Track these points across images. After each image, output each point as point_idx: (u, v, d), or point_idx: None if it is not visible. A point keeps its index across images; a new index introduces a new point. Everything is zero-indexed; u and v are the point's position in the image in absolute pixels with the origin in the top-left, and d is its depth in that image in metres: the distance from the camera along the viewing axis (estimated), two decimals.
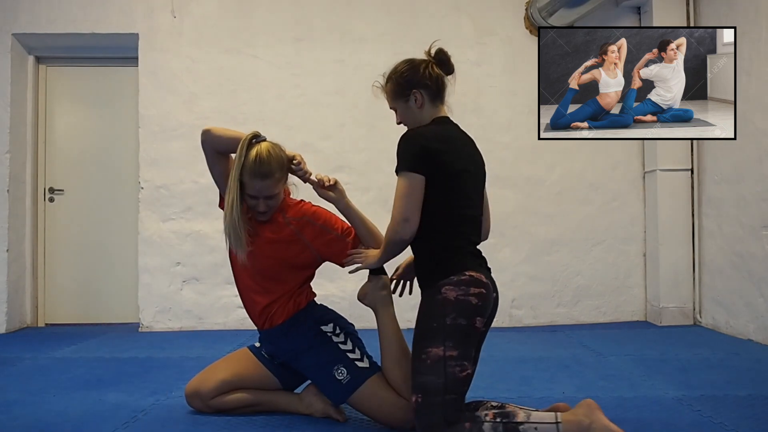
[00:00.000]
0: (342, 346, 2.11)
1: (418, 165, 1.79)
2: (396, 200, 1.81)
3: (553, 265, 4.35)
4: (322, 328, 2.14)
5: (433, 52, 1.99)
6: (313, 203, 2.21)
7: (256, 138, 2.05)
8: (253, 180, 2.00)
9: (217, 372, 2.23)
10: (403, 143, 1.84)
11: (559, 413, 1.67)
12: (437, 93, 1.96)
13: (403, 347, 2.09)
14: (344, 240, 2.13)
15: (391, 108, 2.01)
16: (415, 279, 1.98)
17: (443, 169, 1.82)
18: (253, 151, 2.00)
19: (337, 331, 2.15)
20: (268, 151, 2.01)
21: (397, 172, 1.83)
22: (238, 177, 2.01)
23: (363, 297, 2.20)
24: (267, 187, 2.02)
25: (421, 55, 2.00)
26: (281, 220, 2.13)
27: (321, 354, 2.10)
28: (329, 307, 2.28)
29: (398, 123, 2.01)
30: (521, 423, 1.65)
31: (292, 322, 2.15)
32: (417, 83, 1.95)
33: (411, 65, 1.99)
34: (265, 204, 2.05)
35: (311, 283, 2.27)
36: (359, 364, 2.08)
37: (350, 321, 2.25)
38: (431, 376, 1.69)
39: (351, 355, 2.10)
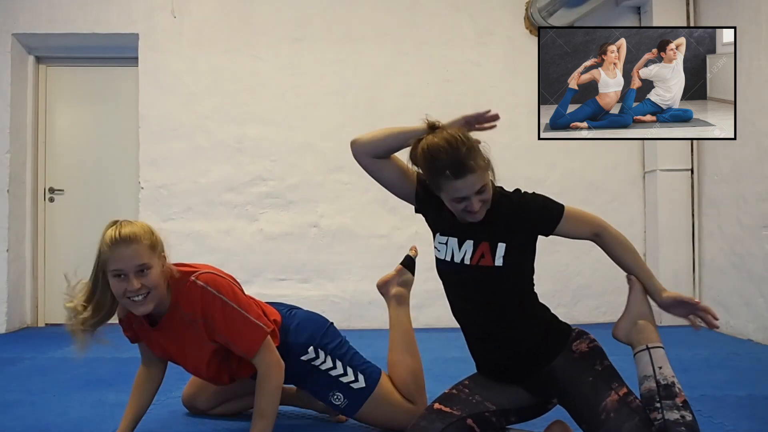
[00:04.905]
0: (332, 372, 1.95)
1: None
2: (589, 215, 1.73)
3: (553, 265, 4.35)
4: (303, 358, 1.95)
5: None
6: (206, 275, 1.80)
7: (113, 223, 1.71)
8: (114, 250, 1.64)
9: (206, 387, 2.19)
10: (537, 194, 1.74)
11: None
12: None
13: (411, 343, 2.06)
14: (258, 329, 1.79)
15: (478, 190, 1.59)
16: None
17: None
18: (109, 230, 1.68)
19: (320, 354, 1.96)
20: (131, 222, 1.71)
21: (562, 208, 1.70)
22: (99, 265, 1.69)
23: (382, 285, 2.17)
24: (132, 255, 1.65)
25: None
26: (177, 314, 1.77)
27: (312, 384, 1.99)
28: (305, 309, 2.15)
29: (476, 210, 1.60)
30: None
31: None
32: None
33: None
34: (138, 283, 1.66)
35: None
36: (354, 386, 1.95)
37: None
38: (628, 423, 1.55)
39: (344, 379, 1.96)
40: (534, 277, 1.78)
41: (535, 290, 1.78)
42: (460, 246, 1.69)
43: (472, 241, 1.68)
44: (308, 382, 2.00)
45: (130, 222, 1.72)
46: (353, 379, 1.96)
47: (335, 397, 1.97)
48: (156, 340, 1.85)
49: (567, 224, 1.69)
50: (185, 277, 1.77)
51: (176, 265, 1.82)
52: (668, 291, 1.70)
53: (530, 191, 1.75)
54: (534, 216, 1.68)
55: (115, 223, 1.71)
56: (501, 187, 1.75)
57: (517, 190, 1.75)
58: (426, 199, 1.77)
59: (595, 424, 1.57)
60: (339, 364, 1.97)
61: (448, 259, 1.72)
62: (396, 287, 2.14)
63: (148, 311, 1.71)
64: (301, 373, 1.97)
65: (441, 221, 1.76)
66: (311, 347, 1.96)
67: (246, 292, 1.93)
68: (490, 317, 1.71)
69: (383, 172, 1.83)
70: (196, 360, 1.86)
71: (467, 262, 1.68)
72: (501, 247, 1.65)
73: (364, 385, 1.97)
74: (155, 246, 1.71)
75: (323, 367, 1.96)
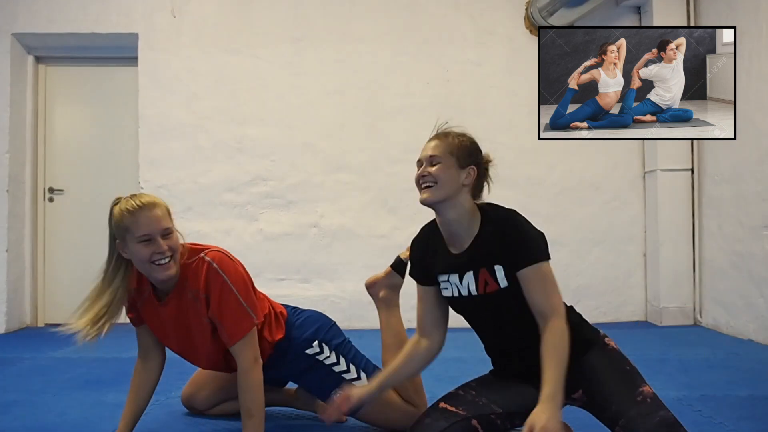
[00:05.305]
0: (335, 368, 1.97)
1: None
2: (557, 296, 1.60)
3: (553, 265, 4.33)
4: (307, 352, 1.97)
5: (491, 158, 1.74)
6: (215, 252, 1.82)
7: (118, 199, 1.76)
8: (138, 216, 1.68)
9: (203, 389, 2.20)
10: (529, 228, 1.62)
11: None
12: (478, 189, 1.71)
13: (404, 345, 2.06)
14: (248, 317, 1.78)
15: (430, 155, 1.65)
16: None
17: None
18: (125, 202, 1.72)
19: (325, 349, 1.99)
20: (142, 193, 1.77)
21: (538, 258, 1.61)
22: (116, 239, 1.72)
23: (370, 286, 2.17)
24: (157, 219, 1.69)
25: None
26: (184, 289, 1.79)
27: (315, 380, 2.00)
28: (312, 309, 2.15)
29: (423, 174, 1.64)
30: None
31: (272, 356, 1.96)
32: (479, 163, 1.69)
33: (478, 148, 1.71)
34: (165, 244, 1.70)
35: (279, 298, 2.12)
36: (357, 384, 1.94)
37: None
38: (663, 411, 1.55)
39: (347, 376, 1.97)
40: None
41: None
42: (461, 279, 1.67)
43: (471, 272, 1.65)
44: (311, 378, 2.00)
45: (142, 193, 1.76)
46: (356, 376, 1.98)
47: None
48: (161, 318, 1.84)
49: (530, 278, 1.58)
50: (195, 254, 1.79)
51: (189, 244, 1.84)
52: (542, 406, 1.44)
53: (529, 222, 1.65)
54: (510, 249, 1.60)
55: (121, 198, 1.74)
56: (498, 208, 1.68)
57: (512, 214, 1.66)
58: (422, 272, 1.76)
59: (627, 405, 1.55)
60: (342, 360, 1.99)
61: (456, 294, 1.70)
62: (384, 290, 2.12)
63: (172, 274, 1.73)
64: (305, 368, 1.98)
65: (437, 265, 1.72)
66: (316, 341, 1.98)
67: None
68: (512, 336, 1.69)
69: (432, 307, 1.78)
70: (197, 340, 1.85)
71: (474, 293, 1.65)
72: (499, 269, 1.62)
73: (366, 383, 1.96)
74: (170, 215, 1.76)
75: (327, 361, 1.97)
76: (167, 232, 1.71)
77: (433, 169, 1.63)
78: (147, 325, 1.90)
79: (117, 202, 1.73)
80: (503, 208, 1.68)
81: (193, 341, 1.86)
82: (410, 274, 1.81)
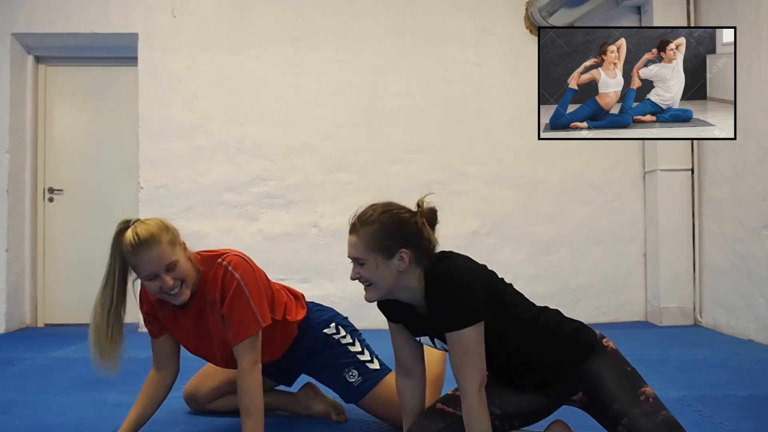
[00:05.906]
0: (351, 348, 2.06)
1: (484, 309, 1.52)
2: (468, 364, 1.49)
3: (553, 265, 4.35)
4: (326, 331, 2.06)
5: (425, 208, 1.58)
6: (234, 257, 1.86)
7: (125, 224, 1.76)
8: (139, 256, 1.68)
9: (210, 378, 2.21)
10: (456, 290, 1.50)
11: None
12: (424, 257, 1.57)
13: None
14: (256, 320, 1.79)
15: (352, 258, 1.56)
16: None
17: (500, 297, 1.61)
18: (128, 235, 1.70)
19: (341, 331, 2.08)
20: (144, 223, 1.74)
21: (458, 326, 1.49)
22: (120, 271, 1.74)
23: None
24: (157, 258, 1.68)
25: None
26: (204, 296, 1.82)
27: (330, 357, 2.05)
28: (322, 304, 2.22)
29: (355, 278, 1.57)
30: None
31: (296, 337, 2.04)
32: (410, 241, 1.54)
33: (399, 218, 1.55)
34: (171, 279, 1.71)
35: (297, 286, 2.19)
36: (370, 366, 2.04)
37: (351, 321, 2.23)
38: (665, 411, 1.56)
39: (361, 357, 2.05)
40: (524, 304, 1.68)
41: (544, 304, 1.72)
42: (433, 341, 1.67)
43: (441, 341, 1.63)
44: (327, 355, 2.04)
45: (143, 222, 1.74)
46: (369, 359, 2.05)
47: (350, 373, 2.02)
48: (182, 324, 1.87)
49: (451, 344, 1.53)
50: (213, 260, 1.82)
51: (207, 251, 1.87)
52: None
53: (462, 279, 1.53)
54: (438, 312, 1.55)
55: (126, 224, 1.74)
56: (435, 266, 1.57)
57: (444, 273, 1.54)
58: (391, 313, 1.72)
59: (630, 404, 1.55)
60: (358, 343, 2.08)
61: (434, 348, 1.71)
62: None
63: (187, 298, 1.77)
64: (322, 345, 2.05)
65: (407, 324, 1.70)
66: (333, 323, 2.09)
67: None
68: (500, 360, 1.64)
69: (407, 341, 1.74)
70: (216, 342, 1.87)
71: (447, 348, 1.62)
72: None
73: (378, 367, 2.05)
74: (174, 241, 1.75)
75: (344, 341, 2.06)
76: (172, 266, 1.70)
77: (362, 270, 1.55)
78: (169, 332, 1.92)
79: (125, 226, 1.74)
80: (441, 264, 1.57)
81: (212, 343, 1.89)
82: (380, 309, 1.74)
